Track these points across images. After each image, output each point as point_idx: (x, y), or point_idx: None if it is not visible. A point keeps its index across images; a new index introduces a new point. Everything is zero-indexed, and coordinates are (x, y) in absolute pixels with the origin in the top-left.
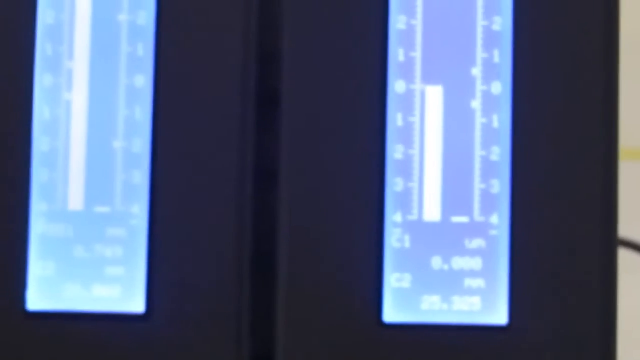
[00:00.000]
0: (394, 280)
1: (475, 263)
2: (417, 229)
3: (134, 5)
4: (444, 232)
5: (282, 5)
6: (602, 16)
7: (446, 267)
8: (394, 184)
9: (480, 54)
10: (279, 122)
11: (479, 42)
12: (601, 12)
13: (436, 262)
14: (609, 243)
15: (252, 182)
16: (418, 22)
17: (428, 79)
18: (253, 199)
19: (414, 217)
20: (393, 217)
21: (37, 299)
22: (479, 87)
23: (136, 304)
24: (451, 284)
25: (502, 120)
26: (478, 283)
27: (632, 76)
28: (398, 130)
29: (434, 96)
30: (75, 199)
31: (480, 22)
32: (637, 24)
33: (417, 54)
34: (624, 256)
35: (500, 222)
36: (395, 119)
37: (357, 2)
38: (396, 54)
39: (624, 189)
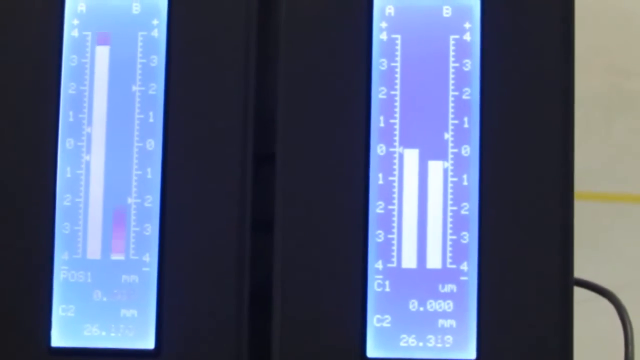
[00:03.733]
0: (375, 321)
1: (447, 305)
2: (396, 275)
3: (146, 78)
4: (420, 278)
5: (277, 77)
6: (560, 86)
7: (422, 309)
8: (375, 235)
9: (451, 120)
10: (274, 180)
11: (450, 109)
12: (558, 83)
13: (413, 305)
14: (564, 287)
15: (250, 234)
16: (397, 93)
17: (405, 142)
18: (251, 248)
19: (393, 264)
20: (375, 265)
21: (59, 337)
22: (450, 150)
23: (147, 342)
24: (426, 324)
25: (471, 179)
26: (450, 323)
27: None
28: (379, 187)
29: (411, 158)
30: (93, 249)
31: (451, 92)
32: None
33: (396, 121)
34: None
35: (469, 269)
36: (376, 178)
37: (343, 74)
38: (377, 120)
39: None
